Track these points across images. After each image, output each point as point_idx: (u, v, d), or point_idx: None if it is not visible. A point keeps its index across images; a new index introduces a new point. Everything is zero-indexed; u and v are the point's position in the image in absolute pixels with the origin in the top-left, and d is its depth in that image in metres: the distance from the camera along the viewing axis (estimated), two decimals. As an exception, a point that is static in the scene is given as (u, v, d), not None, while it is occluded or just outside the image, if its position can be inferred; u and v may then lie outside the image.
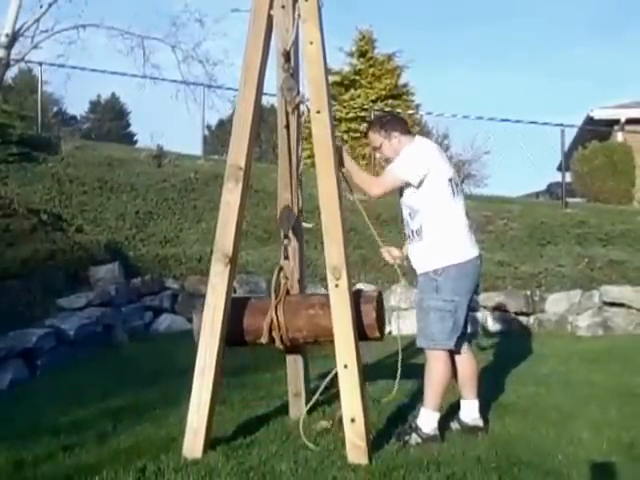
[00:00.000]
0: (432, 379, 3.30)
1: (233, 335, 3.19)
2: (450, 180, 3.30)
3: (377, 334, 3.19)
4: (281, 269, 3.37)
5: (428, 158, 3.28)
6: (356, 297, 3.12)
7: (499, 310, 7.20)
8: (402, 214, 3.45)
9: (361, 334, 3.11)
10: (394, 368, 3.37)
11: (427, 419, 3.28)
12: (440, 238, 3.26)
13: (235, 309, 3.21)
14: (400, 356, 3.34)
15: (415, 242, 3.33)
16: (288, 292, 3.34)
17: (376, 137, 3.43)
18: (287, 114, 3.36)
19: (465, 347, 3.45)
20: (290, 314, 3.19)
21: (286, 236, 3.38)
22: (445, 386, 3.33)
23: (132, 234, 8.11)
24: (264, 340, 3.22)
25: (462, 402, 3.50)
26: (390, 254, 3.58)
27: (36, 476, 2.82)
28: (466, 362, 3.45)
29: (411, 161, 3.25)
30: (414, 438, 3.23)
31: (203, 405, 3.03)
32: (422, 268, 3.33)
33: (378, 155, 3.56)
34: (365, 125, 14.77)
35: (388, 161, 3.48)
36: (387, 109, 15.80)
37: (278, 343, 3.24)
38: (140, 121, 42.83)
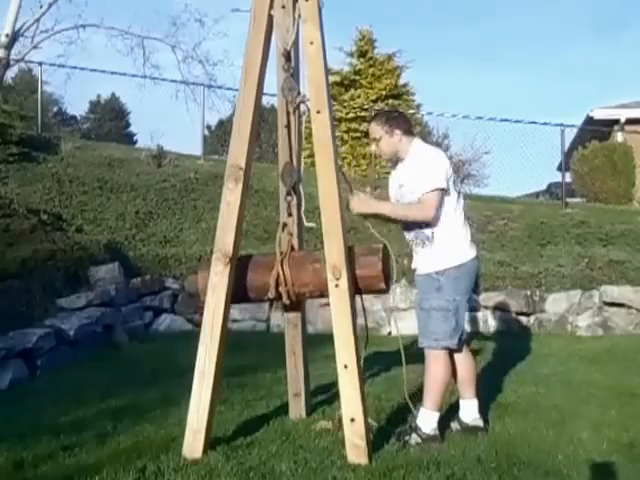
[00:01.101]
0: (432, 379, 3.30)
1: (238, 292, 3.18)
2: (454, 184, 3.35)
3: (382, 286, 3.16)
4: (285, 225, 3.36)
5: (446, 164, 3.30)
6: (362, 250, 3.16)
7: (499, 310, 7.20)
8: (405, 223, 3.44)
9: (366, 287, 3.13)
10: (394, 367, 3.38)
11: (427, 419, 3.29)
12: (445, 242, 3.29)
13: (239, 266, 3.20)
14: (403, 356, 3.34)
15: (426, 247, 3.34)
16: (292, 248, 3.32)
17: (378, 129, 3.40)
18: (288, 114, 3.36)
19: (463, 347, 3.46)
20: (296, 269, 3.18)
21: (289, 193, 3.37)
22: (445, 386, 3.34)
23: (132, 234, 8.11)
24: (271, 295, 3.19)
25: (461, 402, 3.50)
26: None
27: (36, 476, 2.82)
28: (464, 362, 3.46)
29: (437, 170, 3.24)
30: (414, 438, 3.23)
31: (203, 405, 3.03)
32: (424, 269, 3.35)
33: (373, 147, 3.52)
34: (367, 124, 14.78)
35: (381, 156, 3.50)
36: (387, 109, 15.80)
37: (285, 298, 3.21)
38: (140, 121, 42.92)
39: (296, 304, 3.46)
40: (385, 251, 3.20)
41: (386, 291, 3.28)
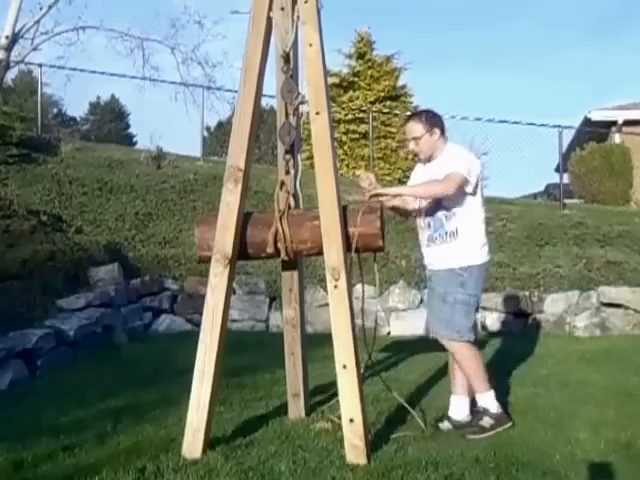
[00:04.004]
0: (471, 367, 3.39)
1: (238, 249, 3.20)
2: (482, 190, 3.46)
3: (380, 243, 3.20)
4: (282, 183, 3.37)
5: (476, 163, 3.44)
6: (360, 208, 3.20)
7: (498, 311, 7.22)
8: (427, 218, 3.49)
9: (365, 244, 3.18)
10: (393, 368, 3.39)
11: (489, 400, 3.39)
12: (472, 239, 3.39)
13: None
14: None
15: (447, 243, 3.41)
16: (290, 207, 3.32)
17: (418, 128, 3.46)
18: (287, 115, 3.37)
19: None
20: (295, 226, 3.19)
21: (287, 151, 3.38)
22: (482, 365, 3.44)
23: (131, 235, 8.11)
24: (270, 250, 3.21)
25: (452, 398, 3.55)
26: (367, 179, 3.52)
27: (36, 476, 2.83)
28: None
29: (470, 165, 3.36)
30: (487, 420, 3.33)
31: (202, 405, 3.05)
32: (448, 265, 3.40)
33: (411, 147, 3.53)
34: (365, 125, 14.76)
35: (416, 156, 3.58)
36: (386, 110, 15.81)
37: (283, 254, 3.23)
38: (139, 122, 42.95)
39: (293, 262, 3.50)
40: (382, 210, 3.24)
41: (382, 249, 3.32)
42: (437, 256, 3.46)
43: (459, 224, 3.38)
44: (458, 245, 3.38)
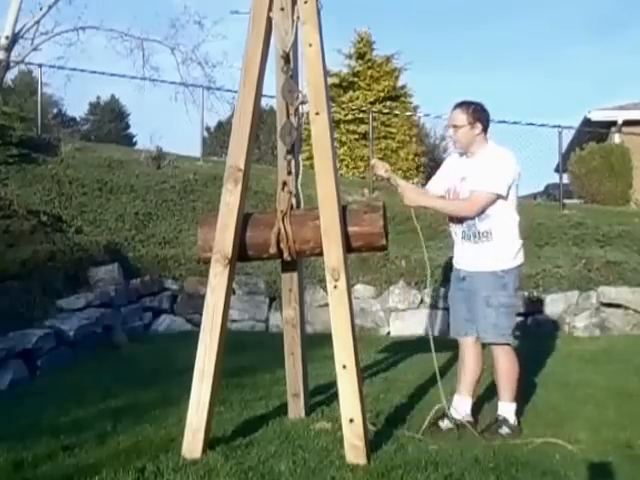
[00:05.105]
0: (505, 373, 3.40)
1: (239, 249, 3.19)
2: (517, 187, 3.46)
3: (383, 242, 3.20)
4: (284, 184, 3.36)
5: (514, 170, 3.41)
6: (363, 207, 3.22)
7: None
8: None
9: (368, 244, 3.18)
10: (392, 368, 3.39)
11: (510, 411, 3.40)
12: (509, 241, 3.40)
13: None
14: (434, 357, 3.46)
15: (481, 243, 3.40)
16: (292, 207, 3.31)
17: (462, 118, 3.43)
18: (288, 115, 3.37)
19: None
20: (297, 225, 3.18)
21: (288, 152, 3.38)
22: (518, 377, 3.44)
23: (131, 235, 8.11)
24: (272, 251, 3.20)
25: (455, 397, 3.54)
26: (382, 166, 3.55)
27: (36, 476, 2.83)
28: (480, 360, 3.57)
29: (503, 176, 3.35)
30: (504, 430, 3.34)
31: (202, 405, 3.05)
32: (489, 267, 3.39)
33: (449, 132, 3.54)
34: (365, 126, 14.76)
35: (454, 144, 3.56)
36: (385, 111, 15.81)
37: (286, 255, 3.22)
38: (139, 123, 42.98)
39: (293, 262, 3.50)
40: (384, 209, 3.23)
41: (385, 248, 3.32)
42: (474, 257, 3.43)
43: (492, 226, 3.37)
44: (496, 247, 3.37)
